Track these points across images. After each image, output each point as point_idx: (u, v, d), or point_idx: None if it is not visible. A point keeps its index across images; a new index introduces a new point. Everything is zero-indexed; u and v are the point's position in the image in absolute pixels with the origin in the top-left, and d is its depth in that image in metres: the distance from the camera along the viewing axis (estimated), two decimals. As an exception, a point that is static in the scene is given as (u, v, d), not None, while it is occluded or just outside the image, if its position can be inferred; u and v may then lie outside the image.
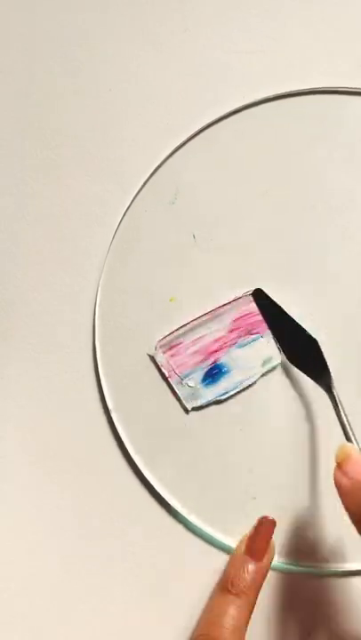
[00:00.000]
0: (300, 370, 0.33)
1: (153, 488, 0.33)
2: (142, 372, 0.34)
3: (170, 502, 0.33)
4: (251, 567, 0.31)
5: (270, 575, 0.32)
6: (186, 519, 0.33)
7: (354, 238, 0.34)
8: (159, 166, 0.34)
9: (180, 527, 0.33)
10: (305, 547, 0.33)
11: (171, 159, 0.34)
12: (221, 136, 0.34)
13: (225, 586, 0.31)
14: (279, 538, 0.33)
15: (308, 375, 0.32)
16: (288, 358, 0.33)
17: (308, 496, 0.33)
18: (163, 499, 0.33)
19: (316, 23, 0.34)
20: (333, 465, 0.28)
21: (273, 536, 0.32)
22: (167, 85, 0.34)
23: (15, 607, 0.34)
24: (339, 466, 0.28)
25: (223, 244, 0.34)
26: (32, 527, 0.34)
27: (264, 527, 0.32)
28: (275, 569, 0.33)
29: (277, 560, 0.33)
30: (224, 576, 0.32)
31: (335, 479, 0.28)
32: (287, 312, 0.33)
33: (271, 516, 0.32)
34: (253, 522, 0.32)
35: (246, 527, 0.33)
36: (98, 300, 0.34)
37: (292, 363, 0.33)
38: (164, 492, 0.33)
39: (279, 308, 0.33)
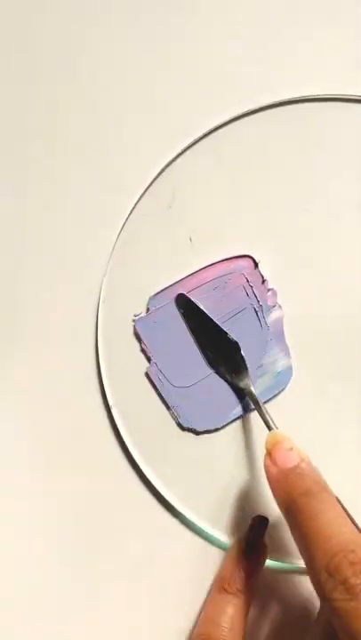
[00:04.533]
0: (220, 375, 0.34)
1: (151, 483, 0.34)
2: (143, 370, 0.35)
3: (167, 498, 0.34)
4: (246, 566, 0.31)
5: (265, 573, 0.32)
6: (182, 515, 0.34)
7: (348, 241, 0.35)
8: (160, 173, 0.35)
9: (176, 522, 0.34)
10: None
11: (169, 165, 0.35)
12: (218, 143, 0.35)
13: (222, 585, 0.31)
14: (274, 536, 0.33)
15: (227, 378, 0.34)
16: (209, 363, 0.34)
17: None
18: (160, 494, 0.34)
19: (313, 30, 0.36)
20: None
21: (266, 534, 0.32)
22: (166, 93, 0.36)
23: (12, 599, 0.34)
24: (268, 453, 0.29)
25: (219, 247, 0.35)
26: (30, 520, 0.34)
27: (258, 526, 0.32)
28: (269, 567, 0.33)
29: (272, 558, 0.33)
30: (220, 575, 0.32)
31: (264, 467, 0.29)
32: (209, 316, 0.34)
33: (266, 514, 0.32)
34: (249, 519, 0.33)
35: (242, 525, 0.33)
36: (101, 299, 0.35)
37: (212, 367, 0.34)
38: (162, 487, 0.34)
39: (202, 312, 0.34)
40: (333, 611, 0.24)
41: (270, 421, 0.31)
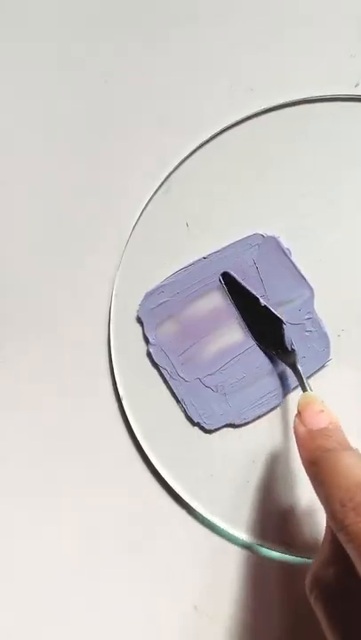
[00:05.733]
0: (268, 351, 0.34)
1: (159, 473, 0.35)
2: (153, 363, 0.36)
3: (173, 487, 0.35)
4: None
5: (264, 564, 0.34)
6: (189, 505, 0.34)
7: (342, 225, 0.35)
8: (165, 180, 0.36)
9: (183, 512, 0.35)
10: (303, 536, 0.34)
11: (170, 160, 0.36)
12: (215, 143, 0.36)
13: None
14: (276, 528, 0.34)
15: (275, 355, 0.34)
16: (257, 341, 0.35)
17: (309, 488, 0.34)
18: (167, 483, 0.35)
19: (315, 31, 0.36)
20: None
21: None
22: (166, 94, 0.36)
23: (15, 576, 0.35)
24: (299, 414, 0.29)
25: (214, 232, 0.36)
26: (37, 511, 0.35)
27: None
28: (268, 557, 0.34)
29: (271, 548, 0.34)
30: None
31: (294, 426, 0.29)
32: (255, 294, 0.34)
33: (275, 506, 0.33)
34: (254, 511, 0.34)
35: (247, 516, 0.34)
36: (113, 293, 0.36)
37: (260, 345, 0.35)
38: (169, 477, 0.35)
39: (247, 290, 0.34)
40: (347, 537, 0.24)
41: (306, 384, 0.32)
